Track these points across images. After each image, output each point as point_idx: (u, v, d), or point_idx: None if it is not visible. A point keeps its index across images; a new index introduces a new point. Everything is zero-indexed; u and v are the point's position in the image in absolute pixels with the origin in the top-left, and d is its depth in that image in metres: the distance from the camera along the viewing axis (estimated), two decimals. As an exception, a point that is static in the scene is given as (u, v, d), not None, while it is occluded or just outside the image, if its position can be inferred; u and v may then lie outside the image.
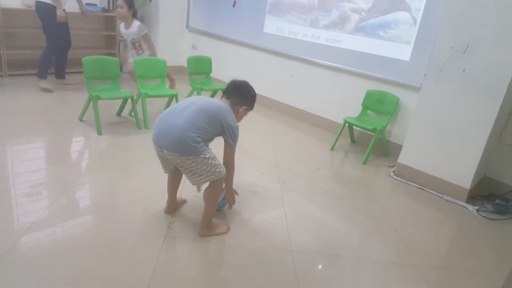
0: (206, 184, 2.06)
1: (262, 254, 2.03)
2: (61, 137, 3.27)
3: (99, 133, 3.33)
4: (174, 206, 2.31)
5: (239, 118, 2.14)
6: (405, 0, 3.44)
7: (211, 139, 2.00)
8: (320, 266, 2.01)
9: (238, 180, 2.80)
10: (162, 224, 2.16)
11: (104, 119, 3.59)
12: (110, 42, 5.70)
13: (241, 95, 2.13)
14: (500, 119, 2.82)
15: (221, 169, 1.97)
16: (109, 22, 5.61)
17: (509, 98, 2.75)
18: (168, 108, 2.02)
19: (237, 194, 2.35)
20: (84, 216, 2.19)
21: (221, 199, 2.24)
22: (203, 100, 2.03)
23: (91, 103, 3.42)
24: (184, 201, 2.42)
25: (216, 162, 1.94)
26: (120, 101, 3.80)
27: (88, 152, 3.09)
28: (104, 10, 5.47)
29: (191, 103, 1.96)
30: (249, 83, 2.20)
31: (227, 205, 2.34)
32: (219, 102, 2.05)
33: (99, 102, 3.38)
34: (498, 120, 2.75)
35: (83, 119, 3.60)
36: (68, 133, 3.34)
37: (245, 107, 2.14)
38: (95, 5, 5.36)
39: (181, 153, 1.86)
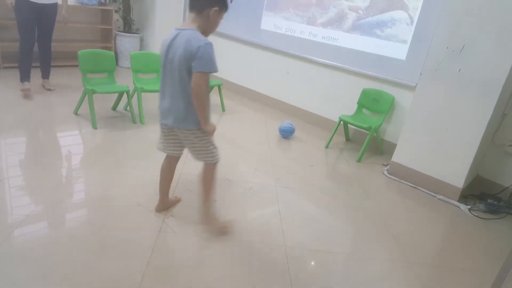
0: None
1: (255, 249, 2.04)
2: (56, 130, 3.25)
3: (94, 127, 3.31)
4: (166, 205, 2.27)
5: (214, 25, 1.86)
6: (402, -1, 3.46)
7: None
8: (313, 262, 2.03)
9: (233, 175, 2.81)
10: (156, 219, 2.16)
11: (99, 113, 3.57)
12: (106, 36, 5.66)
13: None
14: (494, 120, 2.85)
15: (215, 154, 2.01)
16: (105, 16, 5.56)
17: (503, 99, 2.78)
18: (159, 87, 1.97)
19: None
20: (78, 210, 2.18)
21: None
22: (175, 65, 1.82)
23: (86, 97, 3.40)
24: (178, 200, 2.38)
25: (212, 144, 1.99)
26: (116, 95, 3.79)
27: (83, 146, 3.07)
28: (100, 3, 5.42)
29: (168, 76, 1.87)
30: None
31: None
32: (183, 42, 1.78)
33: (94, 96, 3.36)
34: (492, 121, 2.77)
35: (78, 113, 3.58)
36: (63, 127, 3.32)
37: (215, 8, 1.80)
38: (92, -2, 5.31)
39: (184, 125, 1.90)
